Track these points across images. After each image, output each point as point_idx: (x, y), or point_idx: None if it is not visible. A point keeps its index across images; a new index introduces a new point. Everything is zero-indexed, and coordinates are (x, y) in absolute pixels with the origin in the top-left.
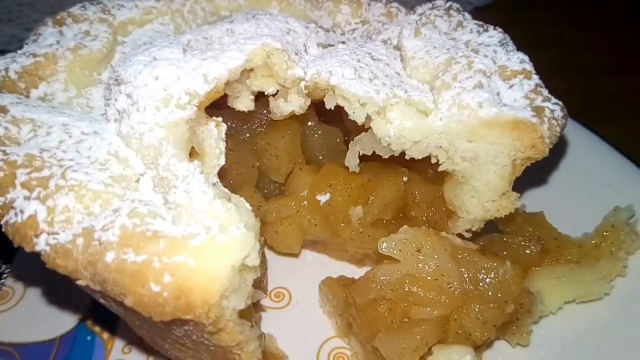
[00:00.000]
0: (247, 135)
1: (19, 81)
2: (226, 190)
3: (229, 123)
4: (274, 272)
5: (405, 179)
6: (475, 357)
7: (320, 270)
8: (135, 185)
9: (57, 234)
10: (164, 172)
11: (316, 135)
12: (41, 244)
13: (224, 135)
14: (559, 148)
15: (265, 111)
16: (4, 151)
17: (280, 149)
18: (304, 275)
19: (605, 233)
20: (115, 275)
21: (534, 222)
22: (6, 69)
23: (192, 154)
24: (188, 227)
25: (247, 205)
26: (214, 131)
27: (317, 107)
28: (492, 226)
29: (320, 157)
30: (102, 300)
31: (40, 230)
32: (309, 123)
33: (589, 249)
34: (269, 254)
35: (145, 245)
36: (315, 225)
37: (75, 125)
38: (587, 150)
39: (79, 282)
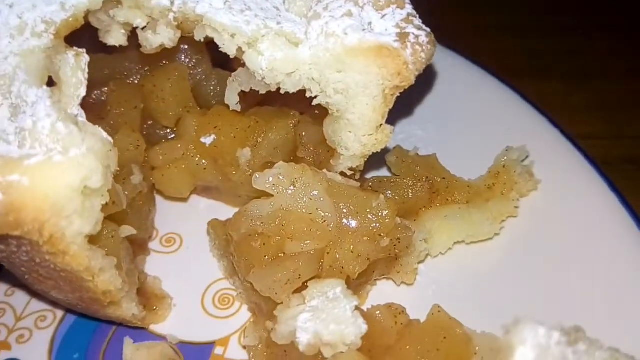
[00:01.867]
0: (136, 78)
1: None
2: (76, 116)
3: (118, 67)
4: (166, 218)
5: (294, 121)
6: (346, 290)
7: (213, 216)
8: None
9: None
10: (16, 100)
11: (209, 80)
12: None
13: (84, 66)
14: (461, 94)
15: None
16: None
17: (166, 92)
18: (197, 221)
19: (497, 173)
20: None
21: (424, 164)
22: None
23: (52, 84)
24: (30, 150)
25: (102, 132)
26: (72, 60)
27: (213, 53)
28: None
29: (214, 103)
30: None
31: None
32: (201, 68)
33: (480, 190)
34: (160, 200)
35: None
36: (205, 168)
37: None
38: (488, 95)
39: None
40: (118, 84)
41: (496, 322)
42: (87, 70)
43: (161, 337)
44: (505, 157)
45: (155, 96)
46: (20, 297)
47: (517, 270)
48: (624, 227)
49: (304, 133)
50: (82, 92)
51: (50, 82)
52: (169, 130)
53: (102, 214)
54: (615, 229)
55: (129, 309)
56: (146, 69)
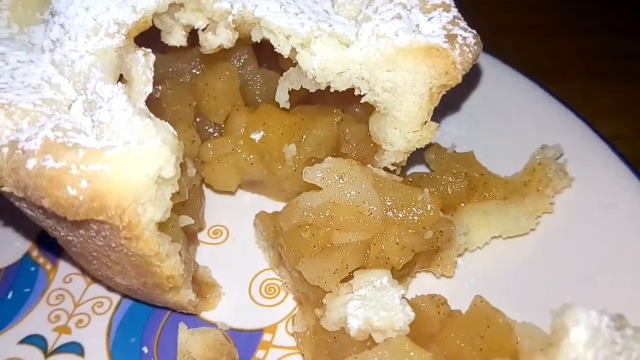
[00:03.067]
0: (188, 77)
1: None
2: (148, 110)
3: (171, 66)
4: (213, 210)
5: (338, 119)
6: (392, 280)
7: (258, 210)
8: (66, 109)
9: None
10: (92, 96)
11: (256, 79)
12: None
13: (151, 65)
14: (493, 93)
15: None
16: None
17: (217, 90)
18: (243, 214)
19: (532, 171)
20: (35, 180)
21: (462, 161)
22: None
23: (122, 81)
24: (109, 142)
25: (169, 127)
26: (142, 59)
27: (257, 53)
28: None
29: (259, 101)
30: (28, 212)
31: None
32: (249, 68)
33: (517, 186)
34: (208, 193)
35: (64, 153)
36: (252, 163)
37: (13, 54)
38: (520, 95)
39: (4, 189)
40: (173, 83)
41: (532, 313)
42: (153, 68)
43: (212, 324)
44: (541, 155)
45: (206, 94)
46: (78, 284)
47: (552, 264)
48: None
49: (347, 130)
50: (149, 89)
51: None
52: (216, 127)
53: (171, 202)
54: None
55: (186, 295)
56: (197, 68)
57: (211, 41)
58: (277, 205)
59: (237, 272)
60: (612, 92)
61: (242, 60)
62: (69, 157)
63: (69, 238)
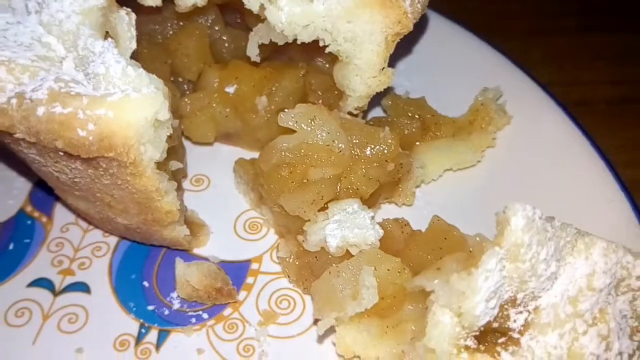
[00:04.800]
0: (160, 37)
1: None
2: (137, 63)
3: (145, 27)
4: (193, 161)
5: (303, 72)
6: (362, 205)
7: (235, 159)
8: (59, 65)
9: None
10: (83, 52)
11: (224, 38)
12: None
13: (134, 22)
14: (440, 48)
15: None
16: None
17: (190, 49)
18: (221, 163)
19: (476, 110)
20: (46, 125)
21: (415, 105)
22: None
23: (106, 38)
24: (106, 91)
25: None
26: (125, 18)
27: (223, 14)
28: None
29: (228, 58)
30: (37, 158)
31: None
32: (216, 27)
33: (463, 125)
34: (188, 145)
35: (70, 101)
36: (226, 116)
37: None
38: (465, 49)
39: (17, 136)
40: (148, 43)
41: (481, 231)
42: (135, 26)
43: (203, 258)
44: (483, 96)
45: (179, 53)
46: (75, 233)
47: (496, 190)
48: (581, 148)
49: (312, 81)
50: (134, 45)
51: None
52: (190, 84)
53: (166, 144)
54: (574, 150)
55: (181, 230)
56: (169, 29)
57: (186, 0)
58: (252, 155)
59: (222, 214)
60: (545, 46)
61: (210, 21)
62: (75, 104)
63: (75, 180)
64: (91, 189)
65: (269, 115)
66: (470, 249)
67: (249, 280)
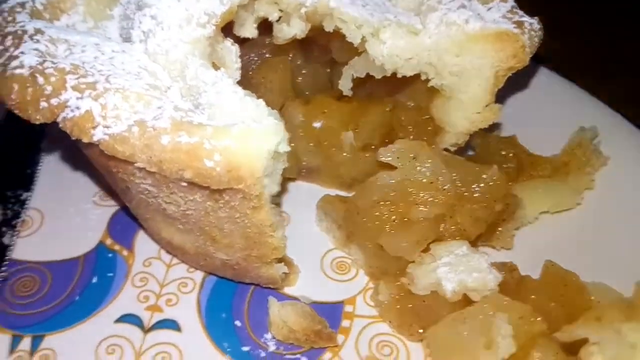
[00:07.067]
0: (242, 71)
1: (44, 12)
2: (252, 94)
3: None
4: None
5: (389, 107)
6: (471, 248)
7: (314, 196)
8: (166, 94)
9: (110, 127)
10: (192, 82)
11: (304, 72)
12: (98, 135)
13: (239, 53)
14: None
15: (259, 48)
16: (51, 61)
17: (274, 83)
18: (300, 200)
19: (572, 150)
20: (171, 155)
21: (507, 143)
22: (33, 0)
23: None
24: (223, 121)
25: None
26: (233, 48)
27: (302, 48)
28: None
29: (307, 93)
30: (150, 188)
31: (97, 123)
32: (297, 62)
33: (559, 165)
34: None
35: (195, 130)
36: (310, 151)
37: (106, 45)
38: (552, 89)
39: (137, 165)
40: None
41: (587, 278)
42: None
43: (295, 298)
44: (580, 136)
45: (263, 87)
46: (158, 267)
47: (596, 236)
48: None
49: (402, 117)
50: (238, 76)
51: None
52: None
53: (281, 177)
54: None
55: (280, 268)
56: (254, 62)
57: (285, 32)
58: (331, 192)
59: (307, 252)
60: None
61: (291, 55)
62: (200, 133)
63: (187, 213)
64: (200, 222)
65: (353, 152)
66: (592, 298)
67: (345, 323)
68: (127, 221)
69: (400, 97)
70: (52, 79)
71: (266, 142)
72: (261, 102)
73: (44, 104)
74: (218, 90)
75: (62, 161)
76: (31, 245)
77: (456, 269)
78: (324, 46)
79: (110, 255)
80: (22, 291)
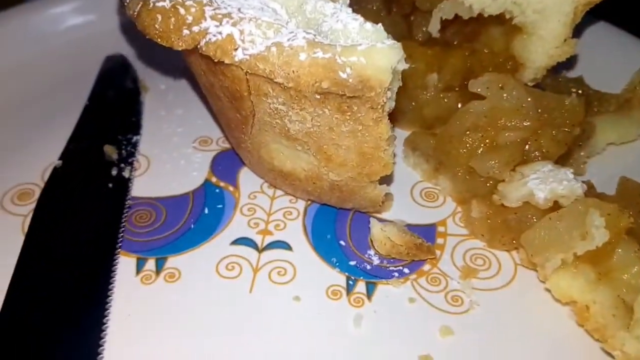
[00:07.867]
0: None
1: None
2: None
3: None
4: None
5: (468, 52)
6: (555, 165)
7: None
8: (286, 27)
9: (248, 49)
10: (311, 15)
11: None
12: (239, 56)
13: None
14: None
15: None
16: None
17: None
18: None
19: (634, 87)
20: (309, 69)
21: (575, 82)
22: None
23: None
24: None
25: None
26: None
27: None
28: None
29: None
30: (279, 107)
31: (237, 45)
32: (381, 14)
33: (623, 102)
34: None
35: (327, 48)
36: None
37: None
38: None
39: (277, 80)
40: None
41: None
42: None
43: (390, 222)
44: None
45: None
46: (263, 200)
47: None
48: None
49: (482, 58)
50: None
51: None
52: None
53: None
54: None
55: (383, 189)
56: None
57: None
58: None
59: (398, 184)
60: None
61: (375, 7)
62: (332, 51)
63: (311, 130)
64: (321, 139)
65: (437, 92)
66: None
67: (439, 241)
68: (229, 163)
69: (476, 45)
70: (192, 9)
71: (389, 59)
72: (380, 26)
73: (186, 32)
74: (338, 18)
75: (159, 113)
76: (142, 184)
77: (545, 180)
78: None
79: (217, 190)
80: (140, 222)
